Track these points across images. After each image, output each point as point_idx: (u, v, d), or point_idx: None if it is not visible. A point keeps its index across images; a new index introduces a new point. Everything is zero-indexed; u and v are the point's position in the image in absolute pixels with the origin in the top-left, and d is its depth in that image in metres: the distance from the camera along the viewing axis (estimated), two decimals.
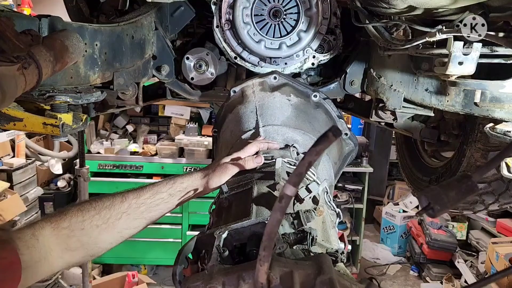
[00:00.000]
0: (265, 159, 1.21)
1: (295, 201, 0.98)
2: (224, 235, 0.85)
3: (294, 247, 0.87)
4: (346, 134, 1.61)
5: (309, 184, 1.02)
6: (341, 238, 1.03)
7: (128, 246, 4.74)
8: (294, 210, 0.95)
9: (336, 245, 0.97)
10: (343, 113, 1.87)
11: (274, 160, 1.22)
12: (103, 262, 5.03)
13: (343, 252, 0.95)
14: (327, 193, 1.15)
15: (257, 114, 1.54)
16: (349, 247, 1.04)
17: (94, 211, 1.02)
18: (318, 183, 1.03)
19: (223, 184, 1.14)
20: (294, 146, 1.36)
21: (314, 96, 1.60)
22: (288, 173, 1.17)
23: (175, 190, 1.12)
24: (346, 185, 5.54)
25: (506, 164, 1.44)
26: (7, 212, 3.85)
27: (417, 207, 5.88)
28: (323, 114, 1.63)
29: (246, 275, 0.69)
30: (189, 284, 0.71)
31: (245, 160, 1.18)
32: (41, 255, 0.92)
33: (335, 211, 1.13)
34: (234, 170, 1.17)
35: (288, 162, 1.22)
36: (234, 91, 1.63)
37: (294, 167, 1.07)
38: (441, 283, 5.08)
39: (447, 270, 5.31)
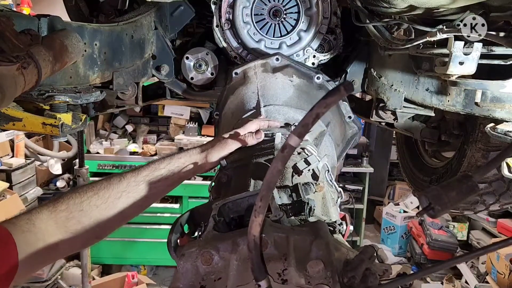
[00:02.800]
0: (265, 136, 1.20)
1: (294, 174, 0.96)
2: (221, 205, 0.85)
3: (292, 218, 0.86)
4: (349, 117, 1.58)
5: (308, 157, 1.00)
6: (343, 219, 1.00)
7: (128, 246, 4.74)
8: (292, 182, 0.93)
9: (336, 219, 0.95)
10: None
11: (274, 136, 1.21)
12: (102, 262, 4.99)
13: (341, 224, 0.92)
14: (328, 171, 1.14)
15: (258, 95, 1.53)
16: (351, 227, 1.00)
17: (92, 192, 1.01)
18: (318, 159, 1.02)
19: (222, 159, 1.13)
20: (295, 125, 1.35)
21: (317, 78, 1.58)
22: None
23: (173, 166, 1.10)
24: (346, 185, 5.54)
25: (507, 164, 1.43)
26: (6, 212, 3.84)
27: (417, 207, 5.87)
28: None
29: (241, 240, 0.68)
30: (185, 250, 0.71)
31: (245, 136, 1.18)
32: (38, 238, 0.91)
33: (337, 190, 1.12)
34: (234, 145, 1.17)
35: None
36: (236, 73, 1.62)
37: None
38: (442, 283, 5.07)
39: (448, 271, 5.30)
